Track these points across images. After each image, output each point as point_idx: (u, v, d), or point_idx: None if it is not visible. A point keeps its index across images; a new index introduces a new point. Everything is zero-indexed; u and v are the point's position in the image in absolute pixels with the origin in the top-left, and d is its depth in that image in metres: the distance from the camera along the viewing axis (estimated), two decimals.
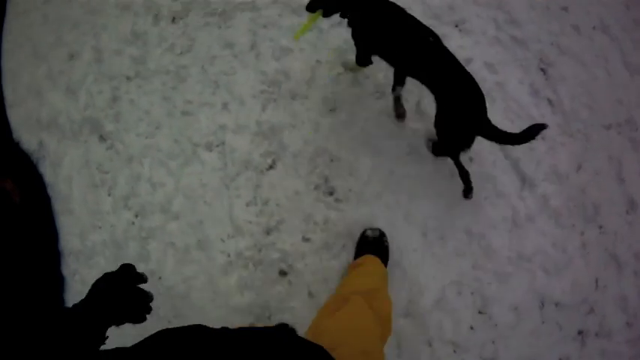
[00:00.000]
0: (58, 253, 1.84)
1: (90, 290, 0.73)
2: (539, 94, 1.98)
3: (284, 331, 0.82)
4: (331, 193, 1.76)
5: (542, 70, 2.03)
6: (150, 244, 1.79)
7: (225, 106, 1.91)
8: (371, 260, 1.56)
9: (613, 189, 1.81)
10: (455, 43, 2.01)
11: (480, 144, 1.58)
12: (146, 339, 0.69)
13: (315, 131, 1.82)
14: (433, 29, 1.52)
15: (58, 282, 1.78)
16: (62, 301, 1.76)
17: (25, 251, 1.66)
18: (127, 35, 2.19)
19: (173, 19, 2.18)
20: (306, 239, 1.74)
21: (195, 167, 1.84)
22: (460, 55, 1.87)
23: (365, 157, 1.79)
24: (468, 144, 1.50)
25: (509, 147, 1.78)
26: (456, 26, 2.09)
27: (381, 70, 1.90)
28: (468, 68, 1.48)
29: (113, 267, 0.78)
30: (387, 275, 1.57)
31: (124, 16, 2.25)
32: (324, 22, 2.05)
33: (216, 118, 1.89)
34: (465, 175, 1.67)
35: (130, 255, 1.79)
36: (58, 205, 1.94)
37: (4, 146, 2.07)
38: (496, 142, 1.53)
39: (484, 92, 1.45)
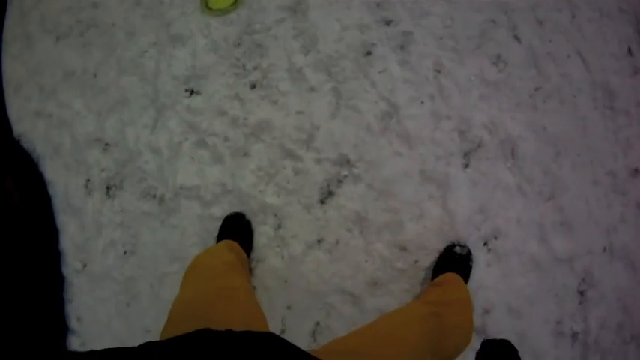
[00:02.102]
0: (58, 253, 1.78)
1: None
2: (563, 333, 1.40)
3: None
4: None
5: (580, 292, 1.44)
6: None
7: None
8: (454, 279, 1.28)
9: None
10: (478, 277, 1.37)
11: None
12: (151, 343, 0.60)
13: None
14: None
15: (58, 282, 1.76)
16: (62, 300, 1.76)
17: (25, 251, 1.66)
18: (65, 206, 1.67)
19: (107, 190, 1.60)
20: None
21: None
22: (479, 301, 1.35)
23: None
24: None
25: None
26: (485, 244, 1.40)
27: None
28: (483, 320, 1.34)
29: None
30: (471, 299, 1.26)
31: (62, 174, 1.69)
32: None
33: None
34: None
35: None
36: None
37: (4, 146, 1.95)
38: None
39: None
